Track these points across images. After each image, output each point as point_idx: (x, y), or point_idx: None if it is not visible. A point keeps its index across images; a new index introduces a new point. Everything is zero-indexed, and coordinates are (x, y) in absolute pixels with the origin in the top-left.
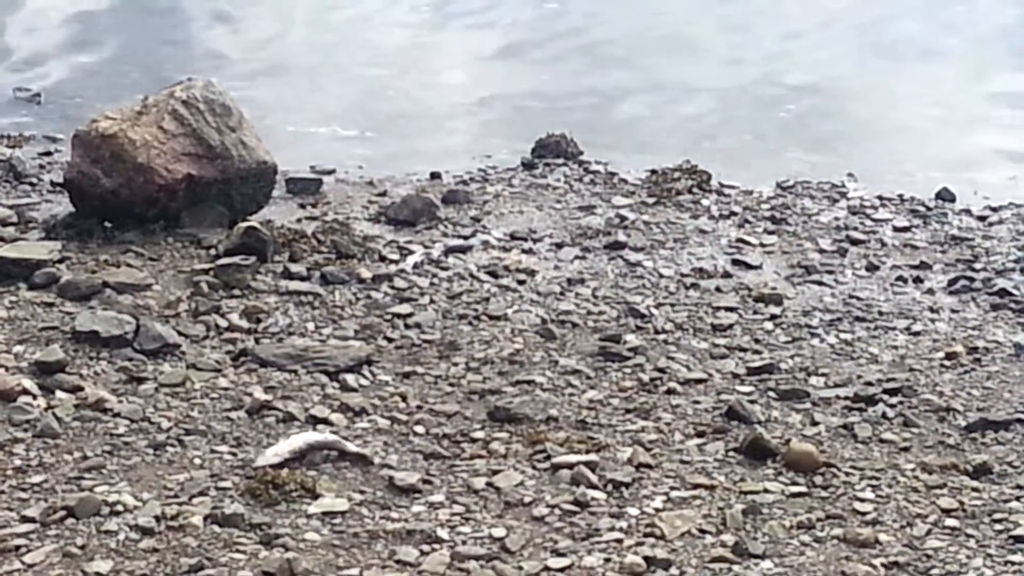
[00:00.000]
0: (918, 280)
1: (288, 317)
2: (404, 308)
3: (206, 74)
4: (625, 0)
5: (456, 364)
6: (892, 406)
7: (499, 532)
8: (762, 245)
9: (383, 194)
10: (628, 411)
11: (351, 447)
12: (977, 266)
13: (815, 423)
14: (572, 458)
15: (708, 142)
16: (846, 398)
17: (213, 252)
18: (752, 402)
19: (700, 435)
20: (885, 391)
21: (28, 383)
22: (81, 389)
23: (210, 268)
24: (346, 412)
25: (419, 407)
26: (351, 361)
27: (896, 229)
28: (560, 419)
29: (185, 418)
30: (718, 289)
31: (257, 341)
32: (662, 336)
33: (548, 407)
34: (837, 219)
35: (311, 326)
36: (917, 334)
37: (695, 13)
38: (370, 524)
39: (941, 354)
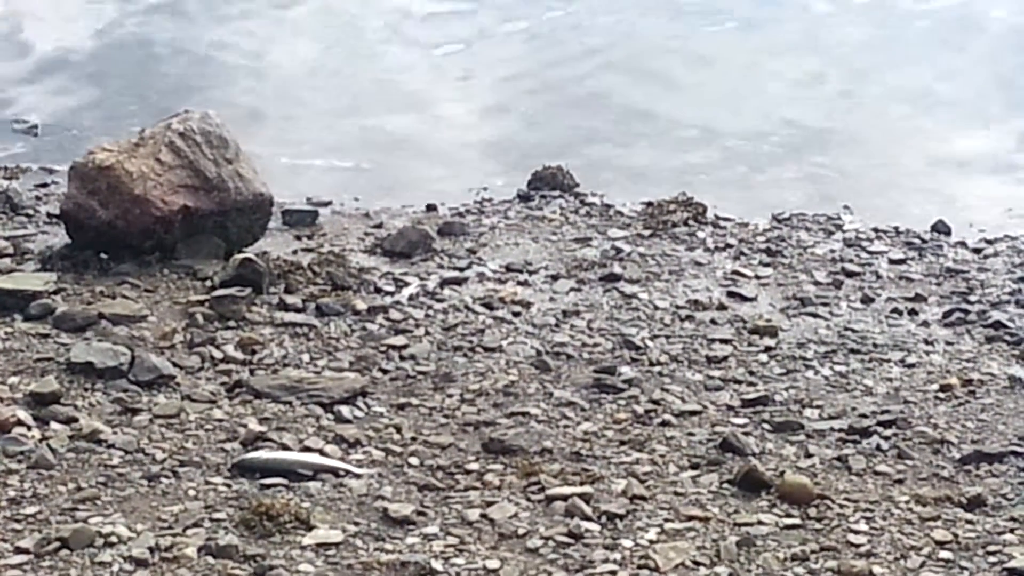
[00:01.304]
0: (913, 312)
1: (283, 348)
2: (399, 340)
3: (203, 106)
4: (619, 35)
5: (451, 396)
6: (886, 438)
7: (493, 564)
8: (757, 277)
9: (379, 226)
10: (622, 443)
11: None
12: (972, 298)
13: (809, 455)
14: (566, 490)
15: (704, 174)
16: (840, 430)
17: (209, 284)
18: (746, 434)
19: (694, 467)
20: (879, 423)
21: (23, 414)
22: (76, 420)
23: (206, 299)
24: (340, 444)
25: (414, 439)
26: (346, 393)
27: (891, 261)
28: (555, 451)
29: (180, 449)
30: (713, 321)
31: (252, 372)
32: (657, 368)
33: (543, 439)
34: (832, 251)
35: (306, 357)
36: (912, 366)
37: (691, 49)
38: (364, 556)
39: (936, 386)
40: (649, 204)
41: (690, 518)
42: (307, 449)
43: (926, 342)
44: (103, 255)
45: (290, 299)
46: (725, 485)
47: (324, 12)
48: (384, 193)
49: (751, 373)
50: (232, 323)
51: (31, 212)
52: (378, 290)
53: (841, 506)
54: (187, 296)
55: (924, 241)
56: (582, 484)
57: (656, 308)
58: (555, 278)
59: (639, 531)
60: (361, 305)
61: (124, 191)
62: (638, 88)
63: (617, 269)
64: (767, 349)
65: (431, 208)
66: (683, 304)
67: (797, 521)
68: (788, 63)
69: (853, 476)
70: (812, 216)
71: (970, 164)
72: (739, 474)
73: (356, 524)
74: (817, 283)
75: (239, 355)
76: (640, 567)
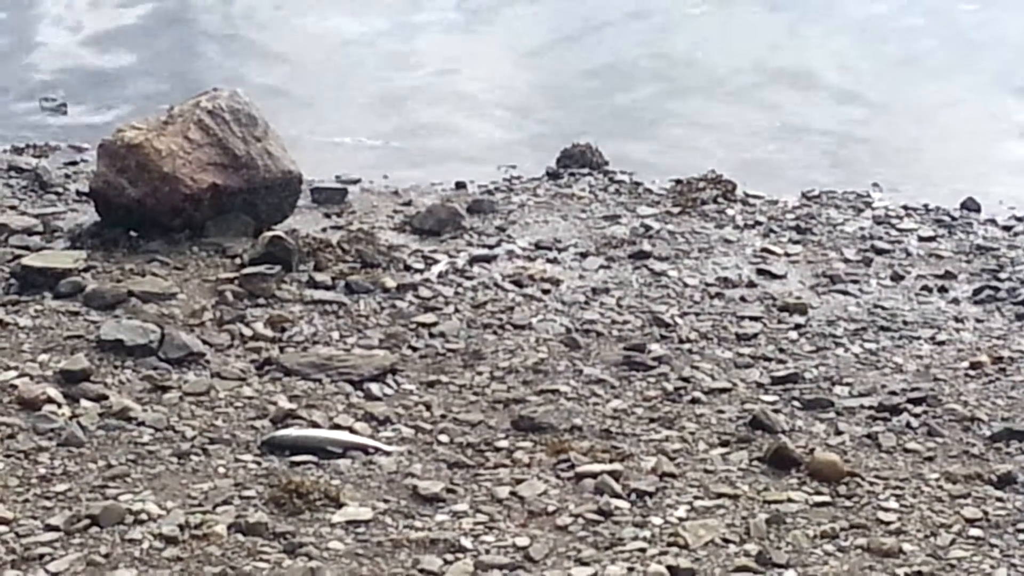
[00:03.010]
0: (943, 290)
1: (313, 326)
2: (429, 317)
3: (231, 84)
4: (645, 12)
5: (480, 373)
6: (916, 416)
7: (523, 541)
8: (787, 255)
9: (408, 204)
10: (652, 420)
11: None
12: (1002, 276)
13: (839, 432)
14: (596, 467)
15: (733, 152)
16: (870, 407)
17: (238, 261)
18: (776, 411)
19: (724, 444)
20: (909, 401)
21: (53, 392)
22: (106, 398)
23: (235, 277)
24: (370, 421)
25: (443, 416)
26: (375, 370)
27: (921, 239)
28: (584, 428)
29: (209, 427)
30: (743, 299)
31: (282, 350)
32: (686, 345)
33: (572, 416)
34: (862, 229)
35: (336, 335)
36: (942, 344)
37: (714, 26)
38: (394, 533)
39: (966, 364)
40: (678, 182)
41: (720, 495)
42: (337, 426)
43: (956, 319)
44: (132, 233)
45: (319, 277)
46: (755, 462)
47: None
48: (413, 171)
49: (781, 350)
50: (262, 301)
51: (60, 190)
52: (407, 268)
53: (871, 483)
54: (216, 274)
55: (954, 218)
56: (612, 461)
57: (686, 285)
58: (584, 255)
59: (669, 508)
60: (390, 283)
61: (153, 169)
62: (665, 66)
63: (646, 246)
64: (797, 326)
65: (460, 186)
66: (712, 281)
67: (827, 498)
68: (817, 41)
69: (883, 453)
70: (841, 194)
71: (1000, 141)
72: (769, 451)
73: (386, 501)
74: (847, 260)
75: (269, 333)
76: (670, 544)
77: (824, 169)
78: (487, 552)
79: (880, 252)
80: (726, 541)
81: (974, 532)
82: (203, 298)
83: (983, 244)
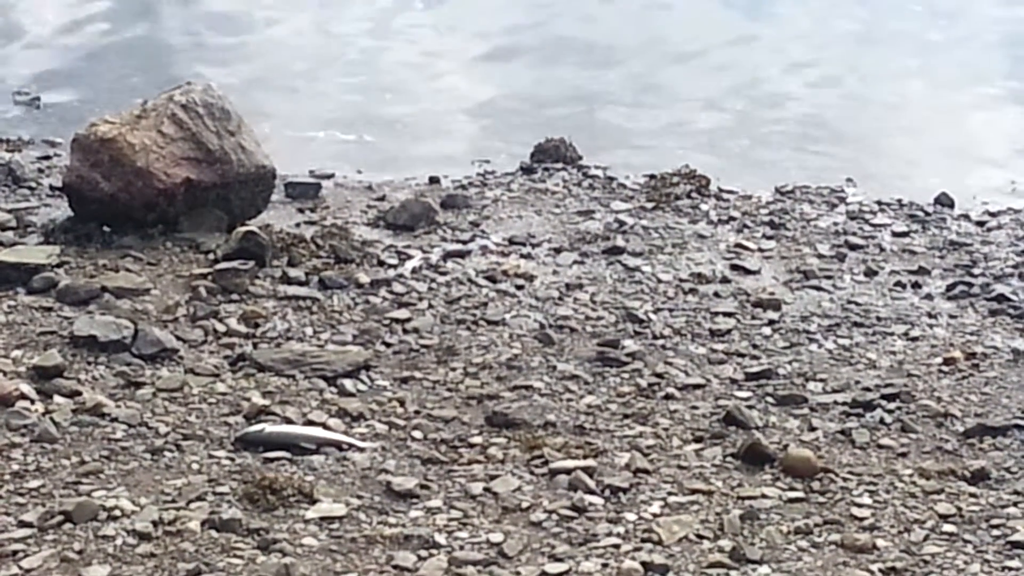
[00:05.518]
0: (916, 285)
1: (286, 322)
2: (402, 313)
3: (205, 78)
4: (620, 9)
5: (454, 369)
6: (890, 411)
7: (497, 537)
8: (761, 250)
9: (382, 199)
10: (626, 416)
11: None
12: (975, 271)
13: (813, 428)
14: (570, 463)
15: (707, 147)
16: (844, 403)
17: (212, 257)
18: (750, 407)
19: (698, 440)
20: (883, 396)
21: (26, 388)
22: (79, 394)
23: (208, 273)
24: (344, 417)
25: (417, 412)
26: (349, 366)
27: (895, 234)
28: (558, 424)
29: (183, 423)
30: (716, 294)
31: (255, 346)
32: (660, 341)
33: (546, 412)
34: (836, 224)
35: (309, 331)
36: (915, 339)
37: (689, 21)
38: (368, 529)
39: (939, 360)
40: (652, 176)
41: (693, 491)
42: (310, 423)
43: (929, 315)
44: (106, 228)
45: (293, 272)
46: (729, 458)
47: None
48: (387, 165)
49: (754, 346)
50: (235, 296)
51: (34, 185)
52: (381, 263)
53: (844, 479)
54: (190, 269)
55: (927, 214)
56: (585, 457)
57: (659, 281)
58: (558, 251)
59: (642, 504)
60: (364, 278)
61: (126, 163)
62: (640, 60)
63: (620, 242)
64: (770, 322)
65: (434, 180)
66: (686, 277)
67: (801, 494)
68: (792, 36)
69: (856, 449)
70: (815, 189)
71: (974, 137)
72: (743, 447)
73: (359, 498)
74: (820, 256)
75: (242, 328)
76: (644, 540)
77: (798, 164)
78: (461, 548)
79: (854, 247)
80: (700, 537)
81: (948, 528)
82: (177, 294)
83: (956, 240)
